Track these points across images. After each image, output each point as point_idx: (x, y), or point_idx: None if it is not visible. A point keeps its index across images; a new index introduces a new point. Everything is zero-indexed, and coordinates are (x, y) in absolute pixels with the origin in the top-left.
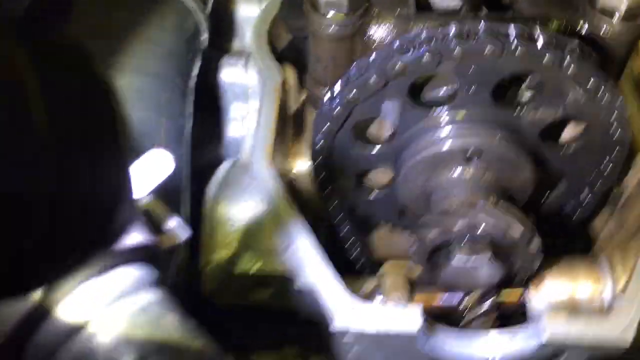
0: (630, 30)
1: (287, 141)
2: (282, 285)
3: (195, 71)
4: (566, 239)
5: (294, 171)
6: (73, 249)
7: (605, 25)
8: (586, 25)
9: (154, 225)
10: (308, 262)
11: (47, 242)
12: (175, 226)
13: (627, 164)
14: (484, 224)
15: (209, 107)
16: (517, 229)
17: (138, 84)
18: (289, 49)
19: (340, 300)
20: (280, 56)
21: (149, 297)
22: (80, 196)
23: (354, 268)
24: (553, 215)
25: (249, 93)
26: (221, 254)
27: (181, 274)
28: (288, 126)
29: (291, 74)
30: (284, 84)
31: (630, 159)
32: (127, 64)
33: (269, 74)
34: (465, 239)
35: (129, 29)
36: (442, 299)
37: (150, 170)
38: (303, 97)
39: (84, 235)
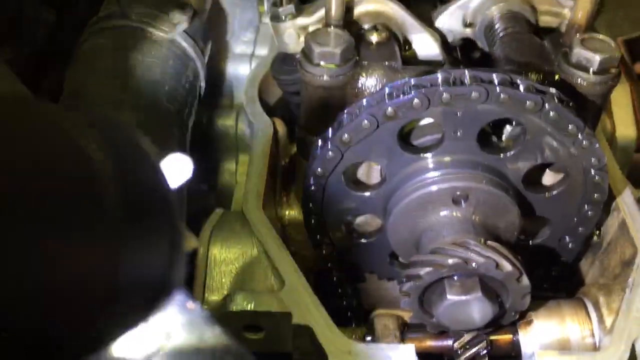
0: (603, 82)
1: (278, 192)
2: (274, 328)
3: (193, 114)
4: (552, 284)
5: (285, 219)
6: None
7: (579, 79)
8: (562, 79)
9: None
10: (301, 303)
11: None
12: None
13: (607, 210)
14: (474, 262)
15: (201, 158)
16: (506, 267)
17: (139, 119)
18: (279, 105)
19: (334, 341)
20: (271, 111)
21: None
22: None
23: (344, 319)
24: (539, 260)
25: (239, 146)
26: (213, 297)
27: None
28: (279, 177)
29: (281, 127)
30: (274, 135)
31: (609, 205)
32: (128, 101)
33: (260, 126)
34: (456, 278)
35: (133, 69)
36: (434, 343)
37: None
38: (293, 150)
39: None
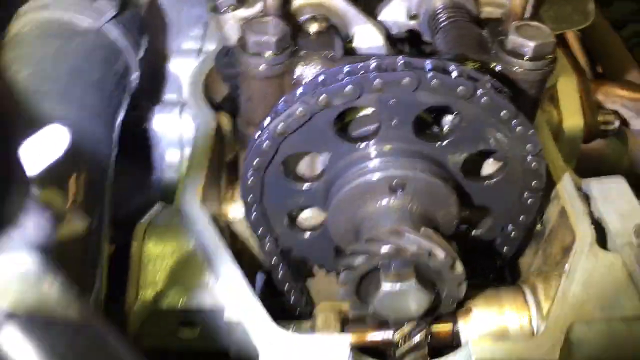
0: (538, 69)
1: (222, 187)
2: (209, 323)
3: (124, 107)
4: (498, 275)
5: (230, 216)
6: None
7: (515, 66)
8: (499, 66)
9: (53, 214)
10: (234, 296)
11: None
12: (74, 215)
13: (549, 198)
14: (407, 249)
15: (143, 154)
16: (439, 254)
17: (61, 112)
18: (226, 101)
19: (266, 333)
20: (218, 107)
21: (30, 260)
22: None
23: (294, 316)
24: (483, 250)
25: (183, 141)
26: (147, 292)
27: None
28: (223, 172)
29: (226, 122)
30: (219, 130)
31: (549, 193)
32: (51, 91)
33: (202, 119)
34: (392, 267)
35: (57, 59)
36: (375, 334)
37: (45, 147)
38: (239, 145)
39: None
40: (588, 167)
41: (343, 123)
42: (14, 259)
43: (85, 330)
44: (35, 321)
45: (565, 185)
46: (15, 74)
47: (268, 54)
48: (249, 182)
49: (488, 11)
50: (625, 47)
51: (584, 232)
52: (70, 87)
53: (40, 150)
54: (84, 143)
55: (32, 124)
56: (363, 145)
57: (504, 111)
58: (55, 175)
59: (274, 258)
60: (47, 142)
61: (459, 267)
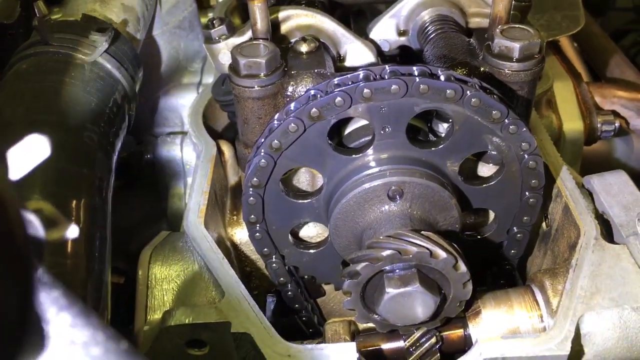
0: (526, 69)
1: (227, 211)
2: (217, 341)
3: (123, 134)
4: (509, 279)
5: (236, 239)
6: None
7: (503, 68)
8: (487, 70)
9: (44, 223)
10: (239, 311)
11: None
12: (63, 221)
13: (551, 197)
14: (409, 252)
15: (150, 186)
16: (441, 254)
17: (59, 138)
18: (226, 129)
19: (273, 345)
20: (219, 136)
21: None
22: None
23: (305, 335)
24: (491, 254)
25: (186, 170)
26: (156, 316)
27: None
28: (227, 197)
29: (228, 149)
30: (221, 156)
31: (552, 192)
32: (49, 122)
33: (203, 147)
34: (395, 271)
35: (54, 91)
36: (385, 344)
37: (26, 156)
38: (241, 172)
39: None
40: (593, 169)
41: (340, 136)
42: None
43: None
44: None
45: (567, 182)
46: (13, 108)
47: (260, 75)
48: (250, 201)
49: (476, 22)
50: (627, 55)
51: (589, 226)
52: (67, 116)
53: (21, 160)
54: (83, 169)
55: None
56: (359, 155)
57: (495, 111)
58: (54, 195)
59: (281, 277)
60: (26, 151)
61: (463, 267)
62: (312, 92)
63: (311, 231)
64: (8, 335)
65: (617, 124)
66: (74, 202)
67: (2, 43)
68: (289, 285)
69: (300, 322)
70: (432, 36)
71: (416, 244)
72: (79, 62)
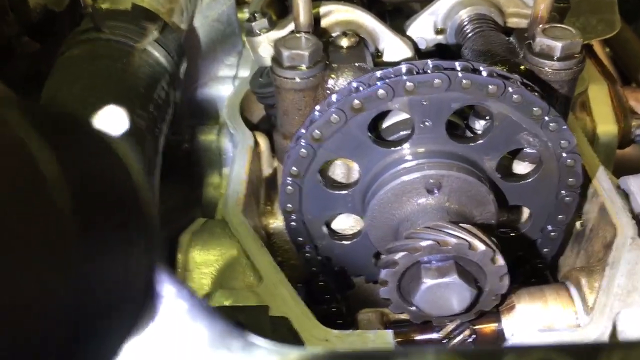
0: (567, 68)
1: (262, 201)
2: (255, 323)
3: (167, 121)
4: (541, 278)
5: (270, 228)
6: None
7: (544, 66)
8: (528, 68)
9: None
10: (277, 296)
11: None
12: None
13: (586, 196)
14: (447, 243)
15: (186, 175)
16: (479, 247)
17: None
18: (262, 122)
19: (311, 329)
20: (255, 128)
21: None
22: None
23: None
24: (525, 252)
25: (222, 160)
26: None
27: None
28: (261, 188)
29: (263, 141)
30: (256, 147)
31: (587, 191)
32: (102, 103)
33: (240, 137)
34: (432, 262)
35: (105, 75)
36: (418, 335)
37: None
38: (276, 164)
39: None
40: (625, 173)
41: (378, 130)
42: None
43: None
44: None
45: (603, 182)
46: (69, 89)
47: (302, 67)
48: (287, 190)
49: (514, 22)
50: None
51: (626, 225)
52: (118, 100)
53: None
54: (133, 150)
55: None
56: (398, 148)
57: (536, 108)
58: None
59: (314, 267)
60: (107, 122)
61: (500, 260)
62: (355, 84)
63: (344, 223)
64: (137, 301)
65: None
66: None
67: (52, 30)
68: (320, 275)
69: (330, 312)
70: (470, 34)
71: (455, 235)
72: (129, 50)
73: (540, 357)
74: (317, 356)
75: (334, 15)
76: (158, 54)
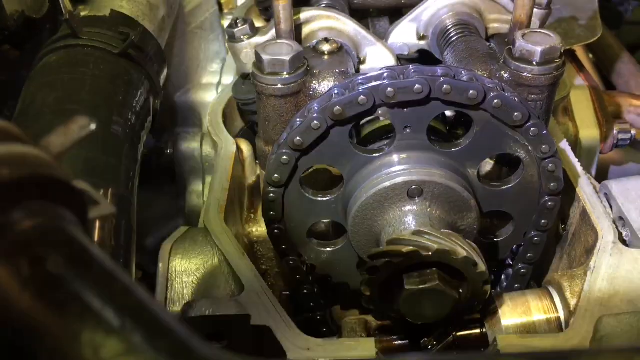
0: (547, 73)
1: (245, 209)
2: (236, 334)
3: (146, 129)
4: (525, 284)
5: (253, 236)
6: None
7: (524, 72)
8: (508, 74)
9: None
10: (259, 305)
11: None
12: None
13: (569, 202)
14: (429, 249)
15: (168, 184)
16: (461, 253)
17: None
18: (244, 129)
19: (293, 339)
20: (237, 135)
21: None
22: None
23: (320, 334)
24: (507, 257)
25: (205, 168)
26: (175, 308)
27: None
28: (245, 195)
29: (247, 148)
30: (240, 154)
31: (571, 197)
32: (79, 111)
33: (223, 145)
34: (414, 268)
35: (83, 83)
36: (401, 342)
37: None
38: (259, 171)
39: None
40: (607, 178)
41: (360, 137)
42: None
43: None
44: None
45: (584, 187)
46: (44, 97)
47: (283, 73)
48: (270, 198)
49: (495, 27)
50: None
51: (607, 230)
52: (96, 107)
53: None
54: (111, 159)
55: None
56: (379, 154)
57: (517, 113)
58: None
59: (298, 275)
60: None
61: (482, 266)
62: (336, 90)
63: (328, 230)
64: None
65: (633, 133)
66: (102, 191)
67: (31, 37)
68: (305, 283)
69: (314, 321)
70: (452, 40)
71: (436, 241)
72: (108, 56)
73: None
74: None
75: (316, 21)
76: (137, 60)
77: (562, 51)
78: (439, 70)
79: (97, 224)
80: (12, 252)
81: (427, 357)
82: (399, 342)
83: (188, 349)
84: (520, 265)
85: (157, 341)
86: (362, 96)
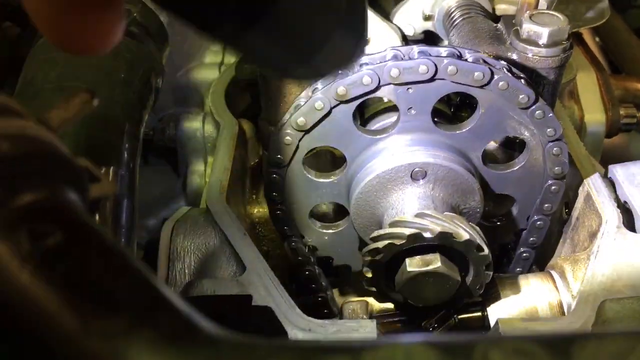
0: (554, 55)
1: (247, 190)
2: (237, 313)
3: (150, 106)
4: (528, 268)
5: (255, 217)
6: None
7: (530, 53)
8: (515, 55)
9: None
10: (260, 286)
11: None
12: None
13: (573, 186)
14: (431, 231)
15: (170, 164)
16: (463, 235)
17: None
18: (247, 109)
19: (294, 319)
20: (240, 115)
21: None
22: None
23: (321, 316)
24: (510, 241)
25: (207, 148)
26: (176, 287)
27: None
28: (247, 176)
29: (248, 128)
30: (241, 135)
31: (574, 180)
32: (79, 88)
33: (225, 124)
34: (416, 250)
35: (84, 60)
36: (401, 324)
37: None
38: (262, 151)
39: None
40: (612, 162)
41: (363, 118)
42: None
43: None
44: None
45: (589, 171)
46: (45, 74)
47: None
48: (272, 178)
49: (502, 8)
50: None
51: (611, 214)
52: (98, 84)
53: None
54: (112, 137)
55: None
56: (383, 136)
57: (522, 95)
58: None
59: (300, 257)
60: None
61: (485, 249)
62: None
63: (330, 212)
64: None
65: (639, 117)
66: (103, 169)
67: None
68: (307, 265)
69: (315, 302)
70: (458, 21)
71: (439, 224)
72: None
73: (513, 346)
74: (283, 347)
75: None
76: (139, 37)
77: (570, 33)
78: (445, 50)
79: (99, 201)
80: (12, 227)
81: (428, 336)
82: (400, 324)
83: (194, 327)
84: (522, 249)
85: (160, 318)
86: (366, 76)
